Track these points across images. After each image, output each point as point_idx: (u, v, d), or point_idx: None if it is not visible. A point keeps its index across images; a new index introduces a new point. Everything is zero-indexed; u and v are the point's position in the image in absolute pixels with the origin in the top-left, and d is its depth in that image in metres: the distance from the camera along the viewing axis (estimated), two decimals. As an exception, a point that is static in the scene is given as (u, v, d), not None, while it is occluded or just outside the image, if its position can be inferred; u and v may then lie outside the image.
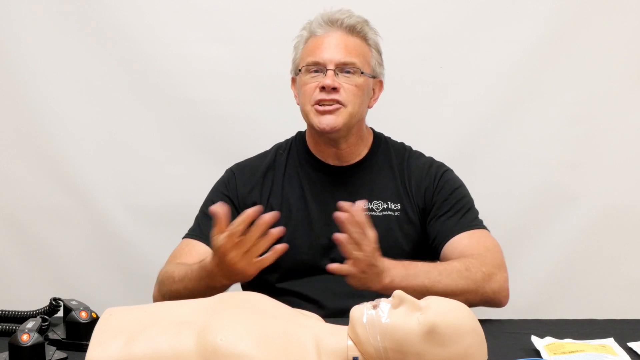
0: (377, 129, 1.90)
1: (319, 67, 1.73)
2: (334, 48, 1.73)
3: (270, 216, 1.44)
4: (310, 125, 1.77)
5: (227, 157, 2.04)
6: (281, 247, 1.47)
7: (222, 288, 1.56)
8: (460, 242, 1.70)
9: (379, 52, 1.81)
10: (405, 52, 2.28)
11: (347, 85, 1.72)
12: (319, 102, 1.72)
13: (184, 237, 1.79)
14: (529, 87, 2.33)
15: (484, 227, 1.76)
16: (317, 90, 1.72)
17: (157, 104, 2.36)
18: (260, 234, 1.44)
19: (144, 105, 2.36)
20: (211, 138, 2.36)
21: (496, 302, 1.61)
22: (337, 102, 1.71)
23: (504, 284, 1.64)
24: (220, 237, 1.45)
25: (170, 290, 1.64)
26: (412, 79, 2.32)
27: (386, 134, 1.90)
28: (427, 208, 1.78)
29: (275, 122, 2.27)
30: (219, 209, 1.44)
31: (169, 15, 2.32)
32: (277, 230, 1.45)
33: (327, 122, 1.71)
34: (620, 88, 2.32)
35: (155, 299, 1.71)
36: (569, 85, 2.32)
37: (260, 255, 1.47)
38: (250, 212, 1.44)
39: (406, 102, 2.33)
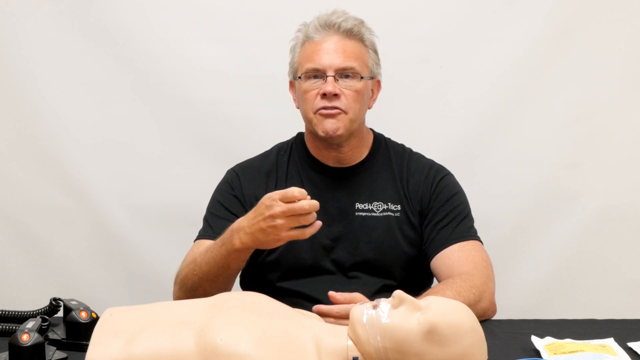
0: (378, 129, 1.90)
1: (318, 73, 1.73)
2: (332, 53, 1.72)
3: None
4: (313, 132, 1.77)
5: (228, 157, 2.04)
6: (319, 222, 1.48)
7: (240, 255, 1.56)
8: (450, 256, 1.71)
9: (376, 52, 1.81)
10: (405, 52, 2.28)
11: (347, 91, 1.71)
12: (321, 110, 1.72)
13: (196, 240, 1.79)
14: (529, 87, 2.33)
15: (477, 238, 1.76)
16: (319, 97, 1.71)
17: (158, 104, 2.36)
18: (313, 208, 1.45)
19: (144, 105, 2.36)
20: (211, 138, 2.36)
21: (485, 317, 1.62)
22: (338, 109, 1.71)
23: (492, 299, 1.65)
24: (277, 191, 1.47)
25: (192, 273, 1.64)
26: (412, 79, 2.32)
27: (386, 135, 1.90)
28: (423, 212, 1.78)
29: (275, 122, 2.27)
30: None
31: (170, 15, 2.32)
32: (319, 224, 1.48)
33: (329, 126, 1.71)
34: (620, 88, 2.32)
35: (177, 298, 1.71)
36: (569, 85, 2.32)
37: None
38: (305, 192, 1.46)
39: (406, 102, 2.33)
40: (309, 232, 1.48)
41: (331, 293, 1.47)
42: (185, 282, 1.67)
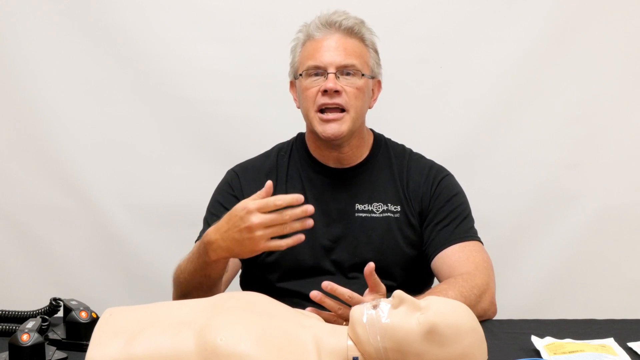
0: (378, 130, 1.90)
1: (319, 71, 1.72)
2: (333, 51, 1.73)
3: (310, 209, 1.41)
4: (313, 132, 1.77)
5: (228, 157, 2.04)
6: (301, 237, 1.44)
7: (217, 265, 1.55)
8: (451, 256, 1.71)
9: (376, 52, 1.81)
10: (405, 52, 2.28)
11: (348, 89, 1.71)
12: (323, 108, 1.72)
13: (196, 240, 1.78)
14: (529, 87, 2.33)
15: (477, 239, 1.76)
16: (320, 94, 1.71)
17: (158, 104, 2.36)
18: (293, 219, 1.42)
19: (144, 105, 2.36)
20: (211, 138, 2.36)
21: (486, 317, 1.62)
22: (340, 106, 1.71)
23: (492, 299, 1.65)
24: (254, 201, 1.42)
25: (179, 280, 1.65)
26: (412, 79, 2.32)
27: (387, 135, 1.90)
28: (423, 213, 1.78)
29: (275, 122, 2.27)
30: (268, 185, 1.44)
31: (170, 15, 2.32)
32: (310, 223, 1.43)
33: (331, 130, 1.71)
34: (620, 88, 2.32)
35: (175, 298, 1.71)
36: (569, 85, 2.32)
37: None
38: (290, 197, 1.41)
39: (406, 103, 2.33)
40: (285, 244, 1.43)
41: (332, 286, 1.39)
42: (176, 288, 1.69)
